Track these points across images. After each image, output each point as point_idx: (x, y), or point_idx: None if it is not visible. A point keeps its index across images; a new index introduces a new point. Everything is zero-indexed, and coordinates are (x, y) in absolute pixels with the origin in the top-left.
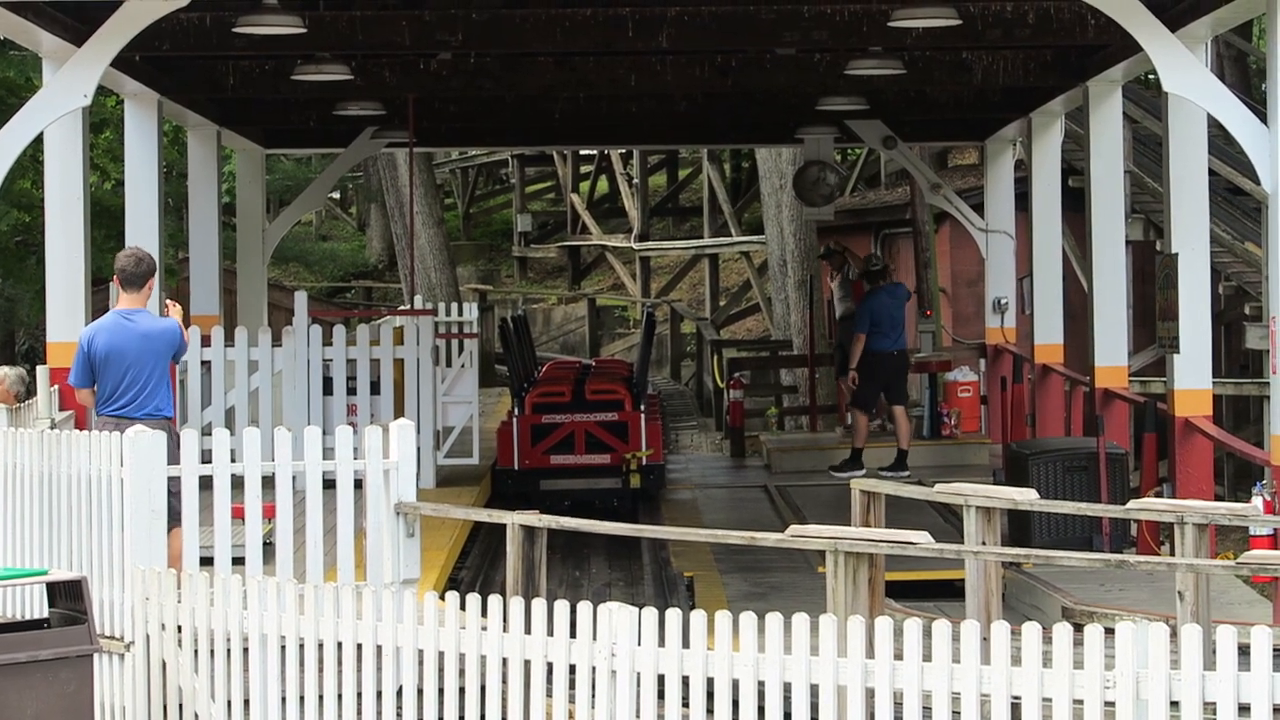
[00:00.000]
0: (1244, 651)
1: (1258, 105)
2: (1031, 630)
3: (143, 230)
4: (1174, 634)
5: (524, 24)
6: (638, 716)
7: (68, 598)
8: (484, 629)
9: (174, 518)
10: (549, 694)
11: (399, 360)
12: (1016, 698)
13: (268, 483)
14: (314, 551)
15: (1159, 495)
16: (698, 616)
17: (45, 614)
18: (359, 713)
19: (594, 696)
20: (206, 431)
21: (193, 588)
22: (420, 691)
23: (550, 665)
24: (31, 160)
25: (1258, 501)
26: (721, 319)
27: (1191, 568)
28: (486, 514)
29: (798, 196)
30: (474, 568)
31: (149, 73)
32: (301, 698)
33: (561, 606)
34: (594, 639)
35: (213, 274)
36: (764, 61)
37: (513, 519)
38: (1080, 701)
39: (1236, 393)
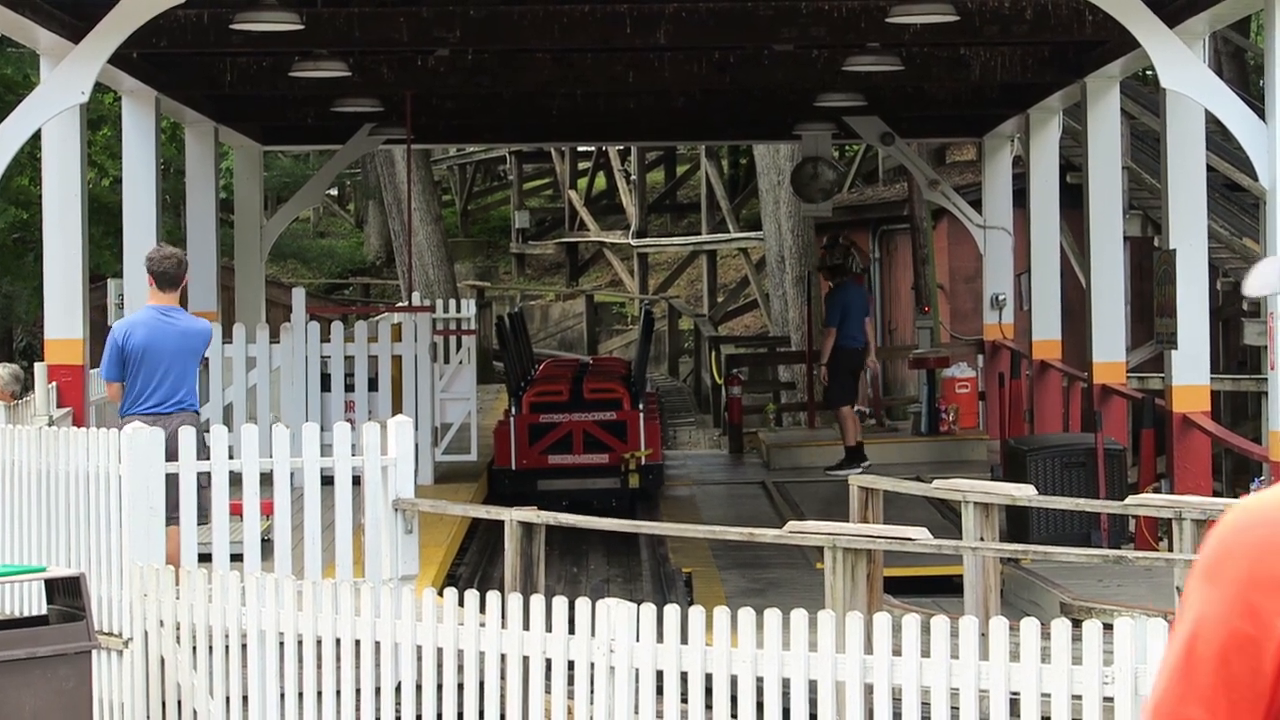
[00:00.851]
0: None
1: (1255, 101)
2: (1030, 626)
3: (140, 227)
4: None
5: (522, 20)
6: (636, 713)
7: (66, 594)
8: (482, 625)
9: (203, 513)
10: (548, 690)
11: (397, 357)
12: (1015, 693)
13: (266, 479)
14: (312, 548)
15: (1157, 491)
16: (696, 613)
17: (44, 611)
18: (358, 709)
19: (593, 693)
20: (205, 428)
21: (191, 584)
22: (419, 688)
23: (549, 661)
24: (29, 157)
25: None
26: (719, 315)
27: (1190, 564)
28: (485, 510)
29: (796, 193)
30: (472, 564)
31: (146, 69)
32: (300, 694)
33: (560, 603)
34: (592, 635)
35: (210, 271)
36: (762, 58)
37: (511, 515)
38: (1079, 697)
39: (1234, 388)
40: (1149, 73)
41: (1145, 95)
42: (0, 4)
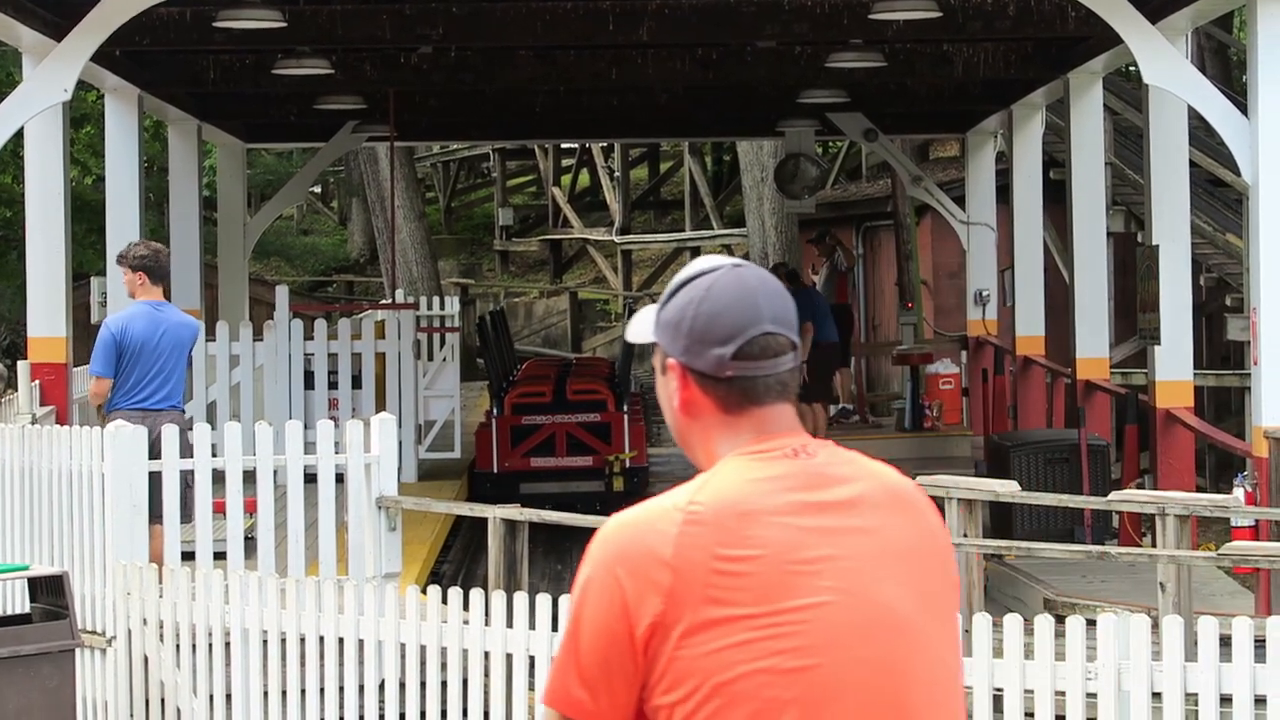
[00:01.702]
0: (1225, 643)
1: (1238, 97)
2: (1013, 622)
3: (123, 225)
4: (1156, 625)
5: (504, 18)
6: None
7: (49, 593)
8: (466, 623)
9: (187, 512)
10: (531, 688)
11: (380, 354)
12: (999, 689)
13: (249, 477)
14: (295, 546)
15: (1140, 487)
16: None
17: (27, 609)
18: (341, 707)
19: None
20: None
21: (174, 583)
22: (402, 685)
23: (532, 658)
24: (12, 155)
25: (1239, 493)
26: None
27: (1173, 559)
28: (468, 508)
29: (779, 189)
30: (456, 562)
31: (129, 67)
32: (284, 692)
33: (543, 600)
34: None
35: (194, 269)
36: (745, 54)
37: (494, 513)
38: (1062, 693)
39: (1218, 384)
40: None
41: (1128, 91)
42: None
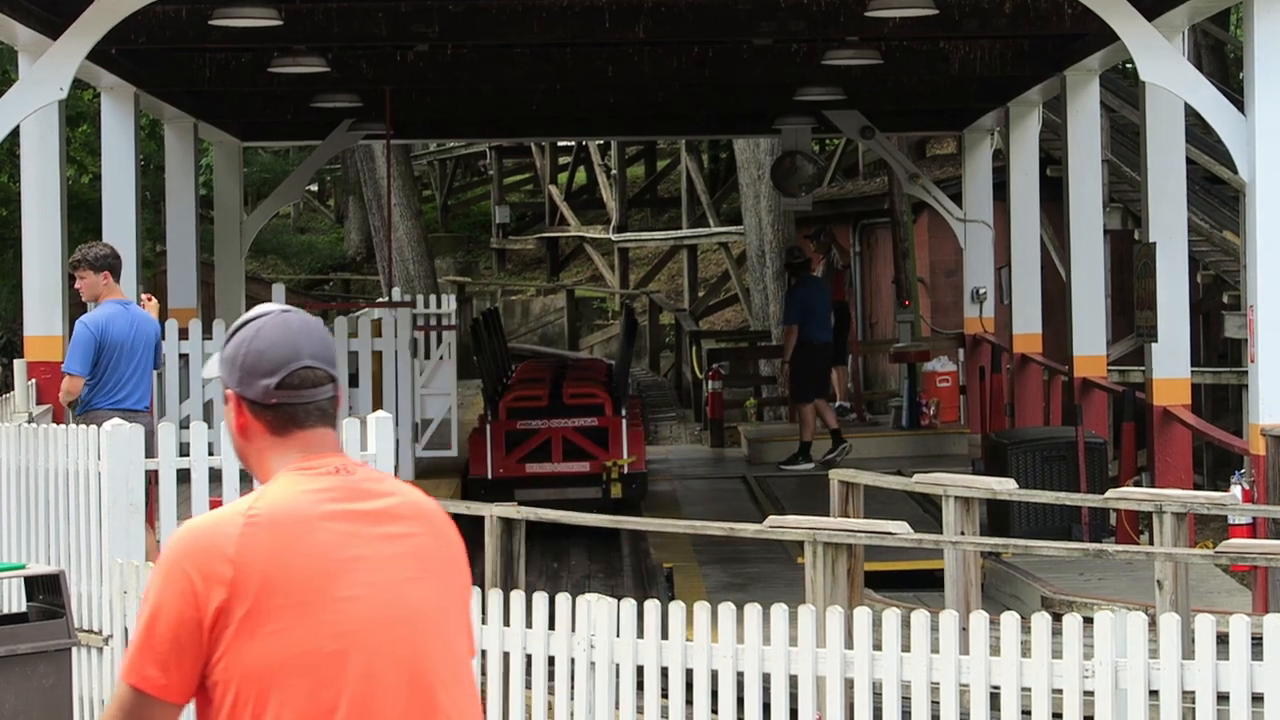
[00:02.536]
0: (1223, 640)
1: (1235, 94)
2: (1010, 620)
3: (120, 223)
4: (1153, 623)
5: (501, 15)
6: (617, 707)
7: (46, 592)
8: None
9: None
10: (528, 685)
11: (377, 353)
12: (995, 687)
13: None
14: None
15: (1138, 484)
16: (677, 608)
17: (23, 608)
18: None
19: (573, 688)
20: (184, 425)
21: None
22: None
23: (529, 657)
24: (8, 154)
25: (1236, 490)
26: (700, 310)
27: (1170, 557)
28: (464, 506)
29: (776, 187)
30: None
31: (125, 66)
32: None
33: (540, 598)
34: (573, 630)
35: (190, 267)
36: (741, 52)
37: (491, 511)
38: (1059, 691)
39: (1215, 381)
40: (1129, 66)
41: (1125, 88)
42: None
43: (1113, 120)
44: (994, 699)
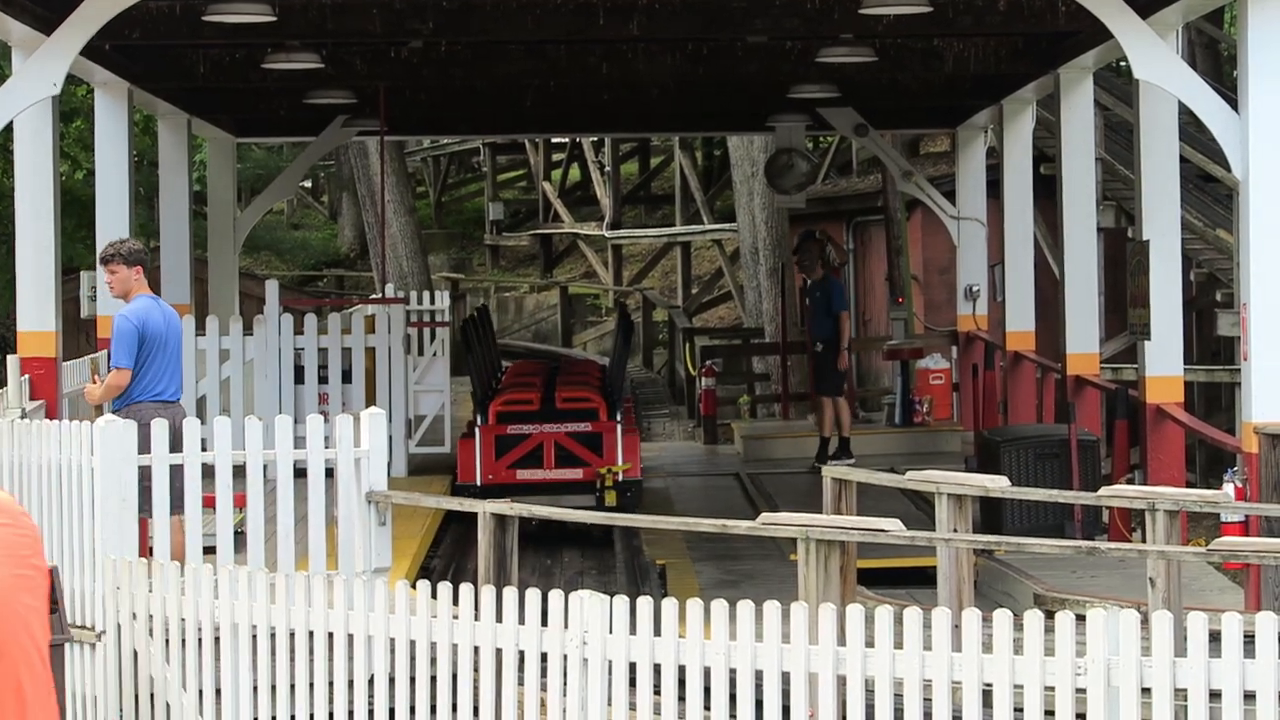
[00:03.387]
0: (1215, 638)
1: (1228, 92)
2: (1003, 617)
3: (113, 219)
4: (1145, 621)
5: (495, 12)
6: (609, 704)
7: None
8: (455, 618)
9: (178, 501)
10: (521, 682)
11: (370, 349)
12: (988, 685)
13: (239, 472)
14: (285, 540)
15: (1130, 482)
16: (669, 605)
17: None
18: (331, 702)
19: (566, 685)
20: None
21: (164, 577)
22: (392, 680)
23: (522, 653)
24: (1, 150)
25: (1229, 488)
26: (694, 307)
27: (1163, 554)
28: (458, 503)
29: (769, 184)
30: (446, 556)
31: (119, 61)
32: (273, 687)
33: (533, 595)
34: (565, 627)
35: (184, 263)
36: (735, 49)
37: (484, 507)
38: (1052, 688)
39: (1208, 379)
40: (1122, 64)
41: (1119, 86)
42: None
43: (1106, 118)
44: (986, 696)
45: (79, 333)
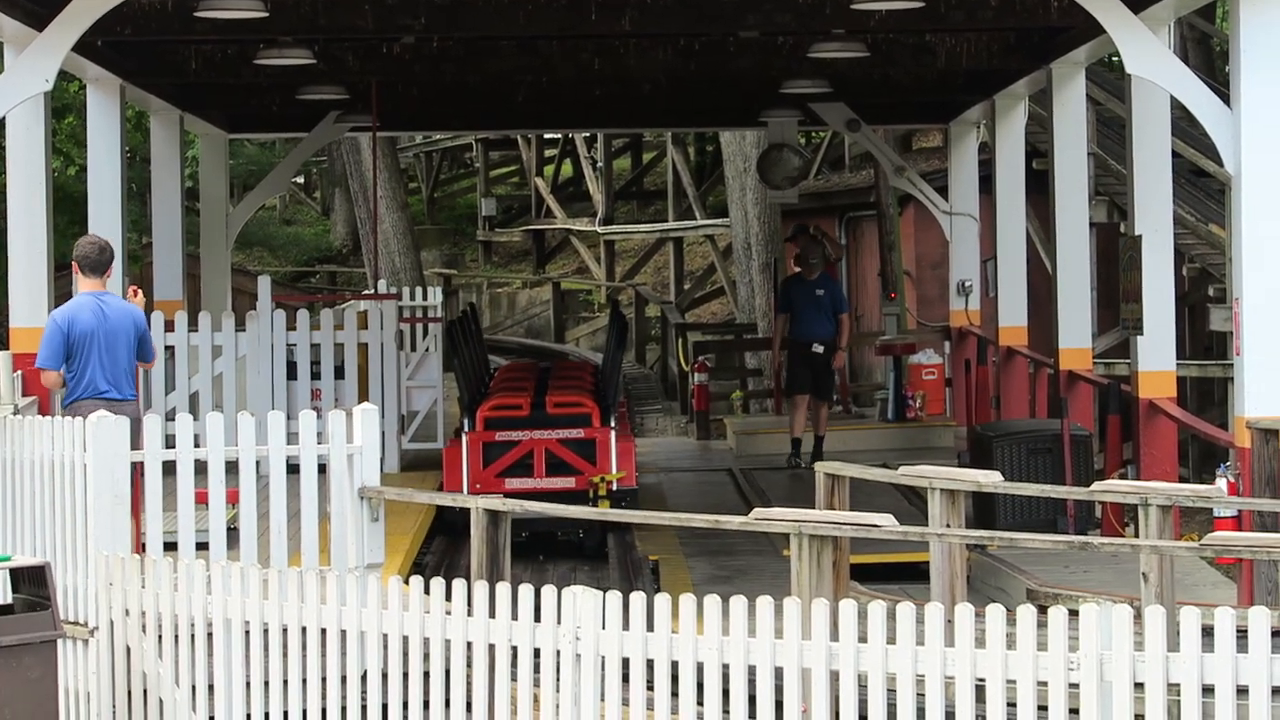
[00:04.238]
0: (1208, 633)
1: (1221, 87)
2: (996, 612)
3: (106, 215)
4: (1138, 616)
5: (486, 8)
6: (602, 700)
7: (31, 583)
8: (448, 613)
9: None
10: (514, 678)
11: (363, 345)
12: (981, 680)
13: (231, 468)
14: (278, 536)
15: (1123, 477)
16: (662, 600)
17: (9, 600)
18: (324, 698)
19: (558, 680)
20: (170, 416)
21: (156, 573)
22: (385, 676)
23: (515, 649)
24: None
25: (1222, 483)
26: (686, 302)
27: (1155, 549)
28: (451, 499)
29: (762, 179)
30: (439, 552)
31: (111, 57)
32: (266, 683)
33: (526, 591)
34: (558, 623)
35: (176, 259)
36: (727, 45)
37: (477, 504)
38: (1044, 683)
39: (1200, 374)
40: (1115, 59)
41: (1111, 81)
42: None
43: (1099, 113)
44: (979, 691)
45: None
